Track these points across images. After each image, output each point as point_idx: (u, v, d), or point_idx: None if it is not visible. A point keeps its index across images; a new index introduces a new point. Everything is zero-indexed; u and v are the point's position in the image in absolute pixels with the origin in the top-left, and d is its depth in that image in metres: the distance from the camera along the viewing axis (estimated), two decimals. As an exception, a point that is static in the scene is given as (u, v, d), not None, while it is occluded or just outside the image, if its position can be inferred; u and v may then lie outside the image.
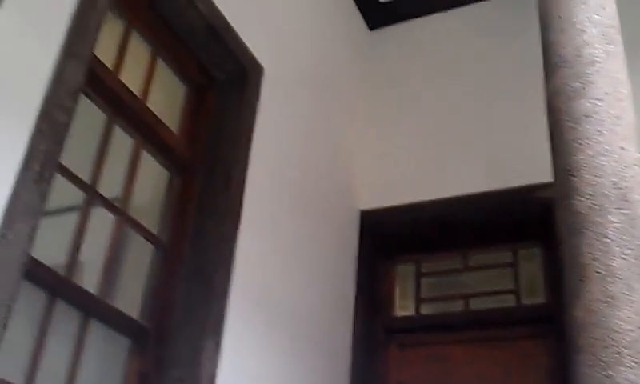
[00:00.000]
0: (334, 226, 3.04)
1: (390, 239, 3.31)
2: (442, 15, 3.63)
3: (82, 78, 1.72)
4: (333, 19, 3.38)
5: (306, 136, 2.92)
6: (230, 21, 2.40)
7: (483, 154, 3.14)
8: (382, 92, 3.58)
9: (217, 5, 2.33)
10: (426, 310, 3.23)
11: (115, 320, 1.96)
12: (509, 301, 3.07)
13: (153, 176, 2.25)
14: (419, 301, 3.24)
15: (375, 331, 3.15)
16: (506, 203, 3.01)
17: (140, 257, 2.14)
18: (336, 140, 3.23)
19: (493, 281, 3.15)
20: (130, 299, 2.05)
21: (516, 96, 3.15)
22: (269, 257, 2.47)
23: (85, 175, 1.91)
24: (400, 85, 3.55)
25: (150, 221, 2.18)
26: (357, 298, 3.10)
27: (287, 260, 2.59)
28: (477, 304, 3.14)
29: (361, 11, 3.69)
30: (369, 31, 3.78)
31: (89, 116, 1.96)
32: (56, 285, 1.77)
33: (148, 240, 2.16)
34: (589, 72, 1.53)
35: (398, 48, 3.68)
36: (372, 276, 3.24)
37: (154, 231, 2.19)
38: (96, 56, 1.90)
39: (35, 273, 1.67)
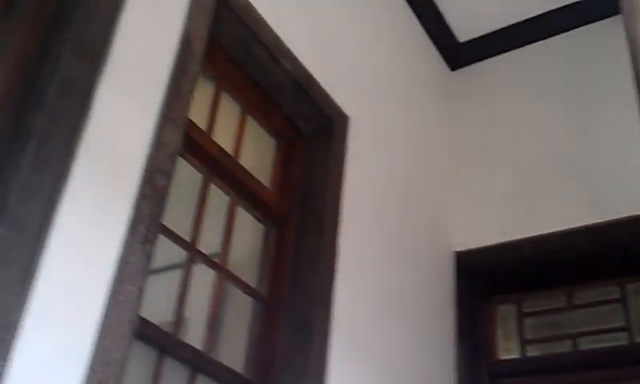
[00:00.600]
0: (428, 269, 3.00)
1: (487, 280, 3.22)
2: (525, 49, 3.58)
3: (179, 141, 1.80)
4: (414, 64, 3.40)
5: (396, 181, 2.91)
6: (314, 75, 2.46)
7: (582, 187, 3.03)
8: (470, 131, 3.54)
9: (301, 61, 2.39)
10: (531, 351, 3.10)
11: (221, 375, 1.99)
12: (620, 339, 2.90)
13: (249, 230, 2.30)
14: (524, 342, 3.11)
15: (480, 376, 3.05)
16: (611, 236, 2.88)
17: (241, 310, 2.18)
18: (425, 182, 3.21)
19: (601, 318, 2.99)
20: (233, 352, 2.08)
21: (613, 123, 3.05)
22: (365, 303, 2.46)
23: (185, 234, 1.98)
24: (488, 122, 3.50)
25: (249, 274, 2.23)
26: (458, 343, 3.02)
27: (384, 305, 2.57)
28: (586, 344, 2.98)
29: (441, 53, 3.70)
30: (450, 72, 3.77)
31: (186, 177, 2.04)
32: (164, 342, 1.82)
33: (247, 293, 2.20)
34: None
35: (482, 86, 3.64)
36: (472, 318, 3.15)
37: (253, 284, 2.23)
38: (190, 119, 1.98)
39: (144, 331, 1.73)
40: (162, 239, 1.86)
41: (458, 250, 3.23)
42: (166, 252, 1.90)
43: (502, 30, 3.61)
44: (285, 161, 2.50)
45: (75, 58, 1.50)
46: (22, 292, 1.31)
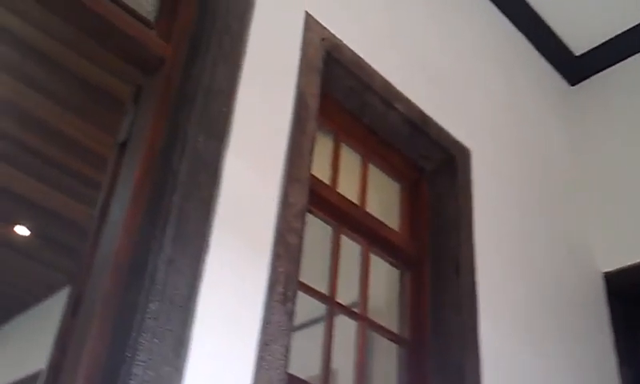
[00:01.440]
0: (576, 294, 2.83)
1: (644, 298, 2.99)
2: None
3: (305, 198, 1.84)
4: (531, 85, 3.29)
5: (526, 207, 2.80)
6: (428, 113, 2.44)
7: None
8: (596, 144, 3.35)
9: (413, 101, 2.39)
10: None
11: (374, 425, 1.97)
12: None
13: (383, 275, 2.29)
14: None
15: (651, 403, 2.81)
16: None
17: (386, 356, 2.16)
18: (557, 203, 3.06)
19: None
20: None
21: None
22: (514, 342, 2.35)
23: (323, 287, 2.01)
24: (615, 133, 3.30)
25: (389, 320, 2.21)
26: (621, 372, 2.80)
27: (533, 341, 2.45)
28: None
29: (558, 69, 3.56)
30: (570, 87, 3.62)
31: (316, 231, 2.08)
32: (314, 397, 1.83)
33: (391, 339, 2.18)
34: None
35: (604, 97, 3.45)
36: (633, 342, 2.92)
37: (395, 329, 2.21)
38: (313, 175, 2.02)
39: (295, 389, 1.75)
40: (301, 295, 1.89)
41: (606, 269, 3.03)
42: (307, 307, 1.93)
43: (617, 36, 3.42)
44: (411, 202, 2.49)
45: (202, 136, 1.59)
46: (177, 363, 1.38)
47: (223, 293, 1.54)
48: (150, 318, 1.37)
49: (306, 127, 1.93)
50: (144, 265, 1.44)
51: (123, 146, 1.65)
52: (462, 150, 2.55)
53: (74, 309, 1.52)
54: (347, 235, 2.19)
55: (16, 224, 4.75)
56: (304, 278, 1.91)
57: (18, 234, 4.85)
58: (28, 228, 4.78)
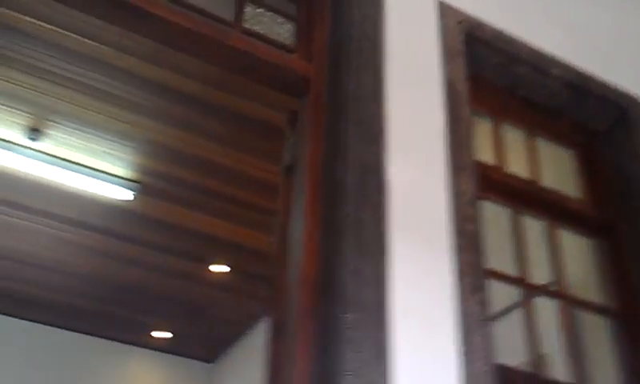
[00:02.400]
0: None
1: None
2: None
3: (474, 185, 1.79)
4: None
5: None
6: (587, 71, 2.29)
7: None
8: None
9: (569, 63, 2.25)
10: None
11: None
12: None
13: (574, 248, 2.16)
14: None
15: None
16: None
17: (596, 332, 2.02)
18: None
19: None
20: (606, 378, 1.92)
21: None
22: None
23: (513, 271, 1.93)
24: None
25: (590, 293, 2.07)
26: None
27: None
28: None
29: None
30: None
31: (494, 216, 2.01)
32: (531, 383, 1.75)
33: (598, 312, 2.03)
34: None
35: None
36: None
37: (599, 302, 2.06)
38: (479, 161, 1.97)
39: (506, 377, 1.68)
40: (493, 283, 1.83)
41: None
42: (501, 294, 1.87)
43: None
44: (588, 167, 2.33)
45: (361, 144, 1.61)
46: (381, 368, 1.38)
47: (411, 292, 1.53)
48: (347, 329, 1.40)
49: (460, 114, 1.88)
50: (331, 279, 1.48)
51: (289, 169, 1.71)
52: (634, 101, 2.35)
53: (276, 333, 1.59)
54: (527, 214, 2.09)
55: (211, 263, 5.10)
56: (493, 265, 1.85)
57: (213, 272, 5.20)
58: (221, 264, 5.12)
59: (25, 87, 3.58)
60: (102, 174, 4.15)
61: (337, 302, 1.43)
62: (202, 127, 3.80)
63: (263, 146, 3.86)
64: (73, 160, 4.06)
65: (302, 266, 1.52)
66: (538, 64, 2.19)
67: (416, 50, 1.89)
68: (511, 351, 1.81)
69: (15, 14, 3.13)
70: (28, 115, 3.77)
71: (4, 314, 5.84)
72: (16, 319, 5.90)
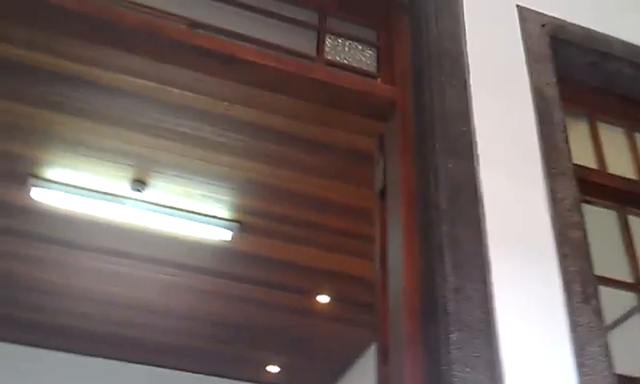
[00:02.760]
0: None
1: None
2: None
3: (575, 190, 1.73)
4: None
5: None
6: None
7: None
8: None
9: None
10: None
11: None
12: None
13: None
14: None
15: None
16: None
17: None
18: None
19: None
20: None
21: None
22: None
23: (624, 276, 1.84)
24: None
25: None
26: None
27: None
28: None
29: None
30: None
31: (599, 220, 1.92)
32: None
33: None
34: None
35: None
36: None
37: None
38: (577, 164, 1.90)
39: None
40: (606, 290, 1.74)
41: None
42: (616, 301, 1.78)
43: None
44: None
45: (451, 160, 1.59)
46: (495, 387, 1.35)
47: (518, 306, 1.49)
48: (455, 349, 1.38)
49: (552, 118, 1.83)
50: (434, 299, 1.46)
51: (382, 193, 1.72)
52: None
53: (383, 358, 1.58)
54: (635, 214, 1.99)
55: (315, 294, 5.15)
56: (600, 272, 1.76)
57: (318, 302, 5.24)
58: (325, 295, 5.14)
59: (128, 142, 3.79)
60: (203, 217, 4.31)
61: (440, 323, 1.41)
62: (295, 161, 3.88)
63: (355, 172, 3.90)
64: (175, 206, 4.24)
65: (403, 289, 1.52)
66: (634, 58, 2.10)
67: (499, 58, 1.86)
68: (631, 361, 1.72)
69: (118, 75, 3.34)
70: (132, 168, 3.98)
71: (124, 360, 6.12)
72: (137, 364, 6.16)
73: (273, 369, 6.18)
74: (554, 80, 1.89)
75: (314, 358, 6.09)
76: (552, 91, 1.86)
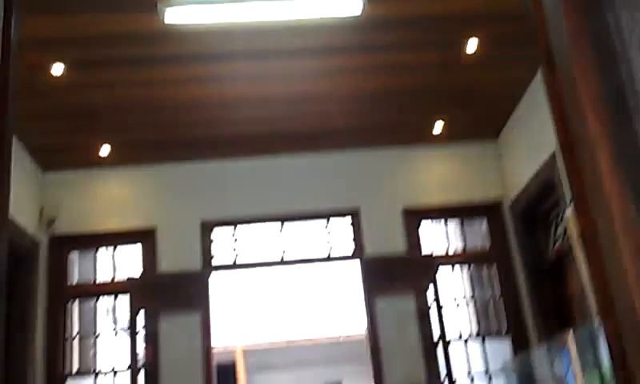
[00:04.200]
0: None
1: None
2: None
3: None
4: None
5: None
6: None
7: None
8: None
9: None
10: None
11: None
12: None
13: None
14: None
15: None
16: None
17: None
18: None
19: None
20: None
21: None
22: None
23: None
24: None
25: None
26: None
27: None
28: None
29: None
30: None
31: None
32: None
33: None
34: None
35: None
36: None
37: None
38: None
39: None
40: None
41: None
42: None
43: None
44: None
45: None
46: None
47: None
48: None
49: None
50: None
51: None
52: None
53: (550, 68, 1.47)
54: None
55: (464, 43, 4.92)
56: None
57: (467, 53, 5.03)
58: (473, 39, 4.90)
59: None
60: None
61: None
62: None
63: None
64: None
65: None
66: None
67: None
68: None
69: None
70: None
71: (296, 153, 6.36)
72: (309, 154, 6.40)
73: (439, 125, 6.15)
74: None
75: (476, 108, 5.95)
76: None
